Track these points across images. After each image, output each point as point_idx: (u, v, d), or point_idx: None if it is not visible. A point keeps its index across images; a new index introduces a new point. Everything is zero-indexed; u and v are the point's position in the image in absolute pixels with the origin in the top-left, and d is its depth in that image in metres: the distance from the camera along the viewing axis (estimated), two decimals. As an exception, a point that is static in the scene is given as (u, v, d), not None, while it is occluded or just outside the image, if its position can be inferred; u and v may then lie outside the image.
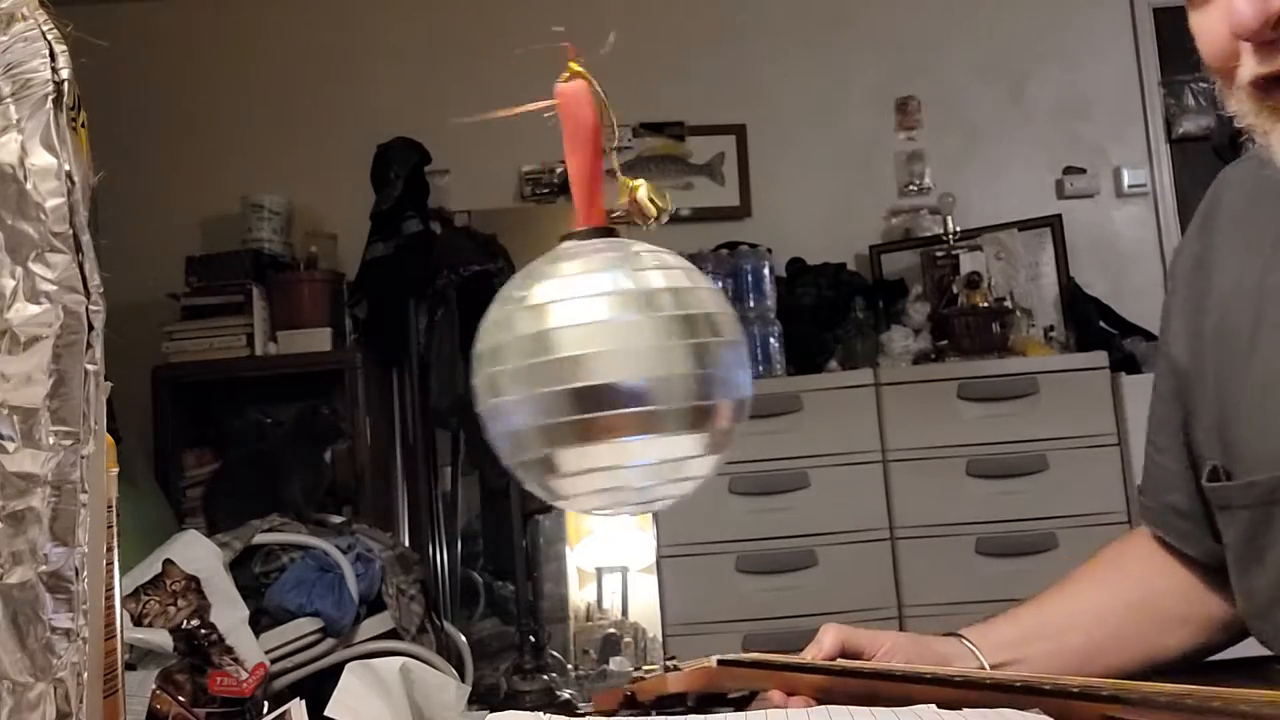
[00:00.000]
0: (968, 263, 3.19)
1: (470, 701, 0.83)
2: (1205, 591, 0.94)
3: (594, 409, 0.60)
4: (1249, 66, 0.69)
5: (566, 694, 2.87)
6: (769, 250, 3.29)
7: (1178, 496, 0.94)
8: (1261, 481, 0.81)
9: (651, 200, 0.69)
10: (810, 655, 0.81)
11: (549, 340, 0.61)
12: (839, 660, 0.79)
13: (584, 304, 0.61)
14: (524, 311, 0.63)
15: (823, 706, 0.69)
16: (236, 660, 1.63)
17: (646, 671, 0.78)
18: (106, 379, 0.48)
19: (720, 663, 0.77)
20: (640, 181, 0.69)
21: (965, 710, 0.62)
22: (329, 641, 1.97)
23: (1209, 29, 0.72)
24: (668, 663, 0.77)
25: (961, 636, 0.92)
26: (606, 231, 0.66)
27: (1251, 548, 0.83)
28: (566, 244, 0.66)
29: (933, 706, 0.64)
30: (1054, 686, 0.63)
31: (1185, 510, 0.94)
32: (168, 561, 1.70)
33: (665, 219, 0.69)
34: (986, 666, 0.88)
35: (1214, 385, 0.87)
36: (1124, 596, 0.97)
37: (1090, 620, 0.96)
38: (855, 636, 0.83)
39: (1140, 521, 1.02)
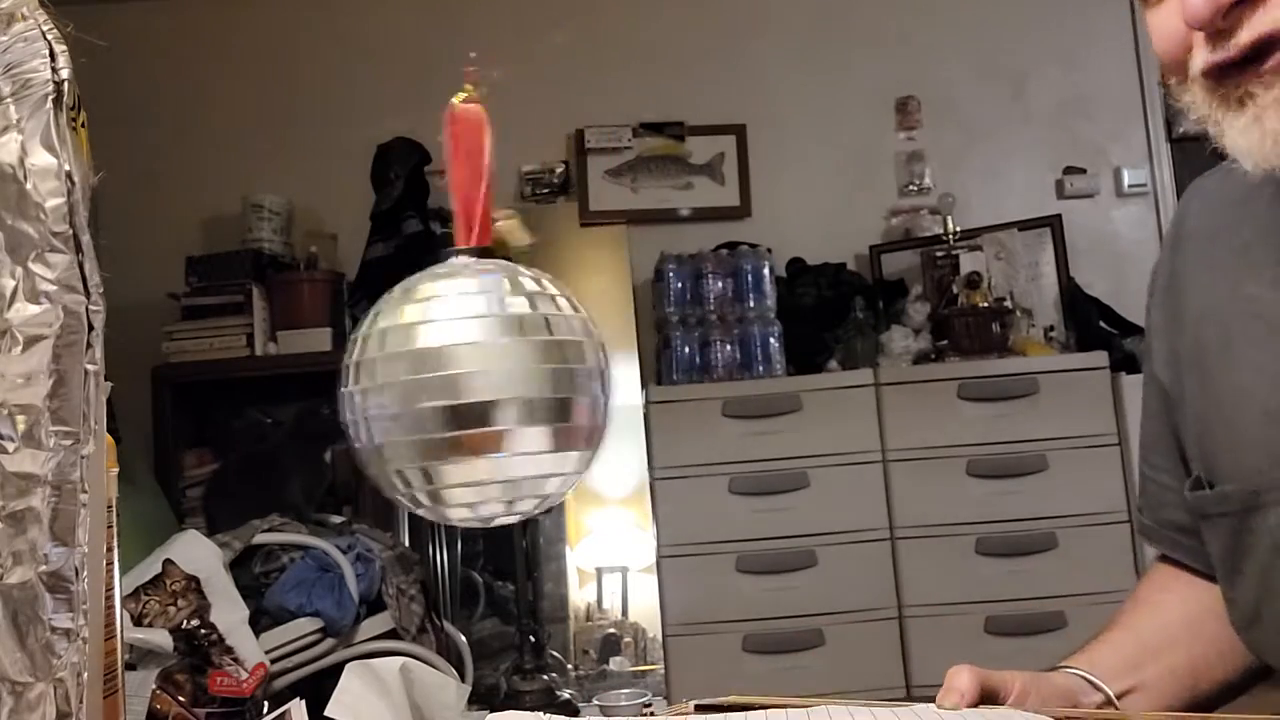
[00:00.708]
0: (968, 263, 3.19)
1: (470, 701, 0.83)
2: None
3: (458, 427, 0.62)
4: (1201, 56, 0.70)
5: (566, 694, 2.86)
6: (769, 250, 3.29)
7: (1177, 513, 0.94)
8: (1233, 493, 0.81)
9: (515, 236, 0.72)
10: (951, 701, 0.76)
11: (422, 358, 0.64)
12: (822, 701, 0.77)
13: (453, 324, 0.64)
14: (398, 330, 0.65)
15: (823, 706, 0.69)
16: (236, 660, 1.63)
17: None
18: (106, 379, 0.48)
19: (698, 707, 0.75)
20: (509, 215, 0.72)
21: (965, 710, 0.62)
22: (329, 641, 1.97)
23: (1163, 24, 0.74)
24: (644, 707, 0.76)
25: (1071, 668, 0.88)
26: (485, 252, 0.69)
27: (1232, 558, 0.83)
28: (445, 263, 0.68)
29: (932, 706, 0.64)
30: None
31: (1187, 526, 0.93)
32: (168, 561, 1.70)
33: (527, 254, 0.72)
34: (1113, 697, 0.86)
35: (1193, 401, 0.87)
36: (1196, 608, 0.94)
37: (1186, 634, 0.93)
38: (989, 678, 0.79)
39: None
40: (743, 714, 0.69)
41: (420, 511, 0.67)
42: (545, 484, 0.66)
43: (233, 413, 3.20)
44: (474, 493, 0.65)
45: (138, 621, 1.58)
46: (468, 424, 0.62)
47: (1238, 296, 0.83)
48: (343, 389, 0.67)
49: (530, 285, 0.67)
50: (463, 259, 0.68)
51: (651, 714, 0.75)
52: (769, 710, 0.69)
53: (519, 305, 0.65)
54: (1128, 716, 0.60)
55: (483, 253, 0.68)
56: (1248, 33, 0.67)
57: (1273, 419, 0.78)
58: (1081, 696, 0.85)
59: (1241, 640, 0.86)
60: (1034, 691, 0.80)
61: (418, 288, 0.67)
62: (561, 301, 0.67)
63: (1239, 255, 0.84)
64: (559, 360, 0.64)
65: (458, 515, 0.67)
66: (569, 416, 0.64)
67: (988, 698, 0.77)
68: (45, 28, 0.48)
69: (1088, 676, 0.87)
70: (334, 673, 1.20)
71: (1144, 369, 0.98)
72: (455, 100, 0.71)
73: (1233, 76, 0.69)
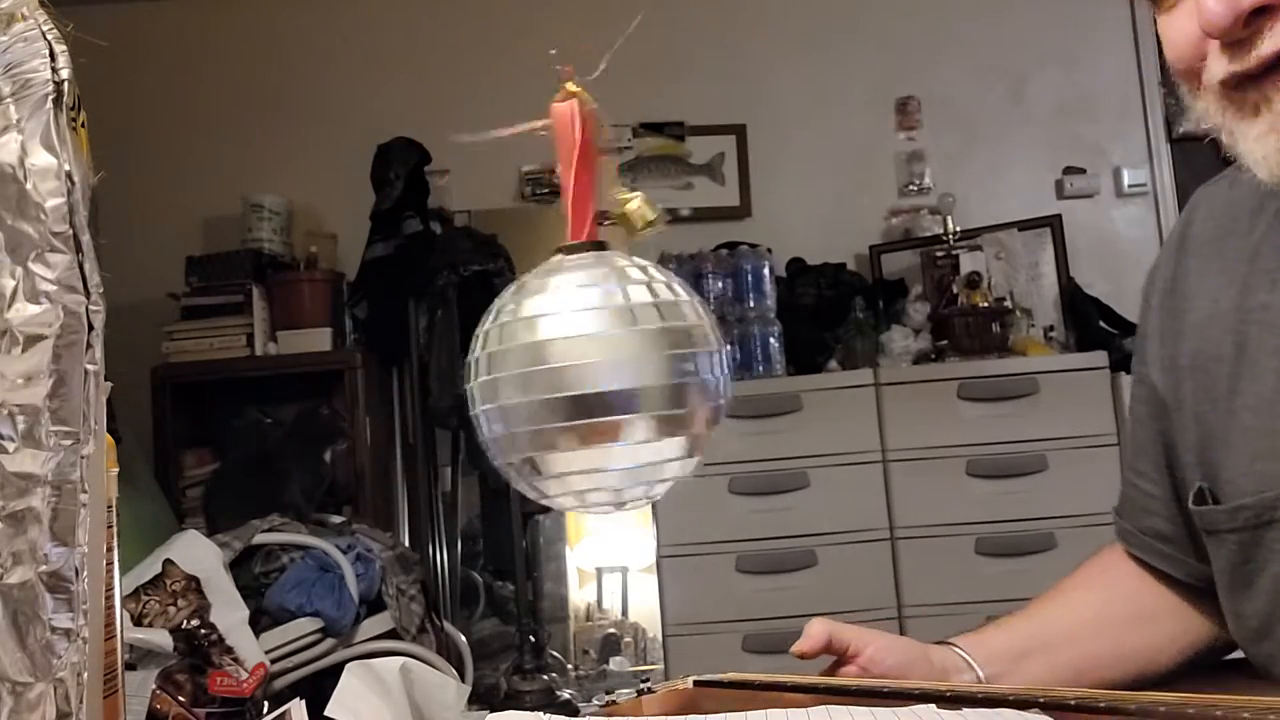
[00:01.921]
0: (968, 263, 3.19)
1: (470, 701, 0.83)
2: (1193, 610, 0.93)
3: (579, 416, 0.64)
4: (1219, 66, 0.68)
5: (566, 694, 2.86)
6: (769, 250, 3.29)
7: (1159, 521, 0.93)
8: (1250, 505, 0.79)
9: (643, 214, 0.72)
10: (798, 647, 0.80)
11: (538, 351, 0.65)
12: (823, 678, 0.77)
13: (571, 317, 0.66)
14: (516, 323, 0.67)
15: (822, 706, 0.69)
16: (236, 660, 1.63)
17: (639, 674, 0.77)
18: (106, 379, 0.48)
19: (696, 683, 0.75)
20: (635, 194, 0.73)
21: (965, 710, 0.62)
22: (329, 641, 1.97)
23: (1177, 30, 0.72)
24: (642, 685, 0.76)
25: (954, 645, 0.91)
26: (597, 246, 0.70)
27: (1241, 573, 0.82)
28: (557, 257, 0.70)
29: (932, 706, 0.64)
30: (1049, 699, 0.62)
31: (1168, 534, 0.93)
32: (168, 561, 1.70)
33: (655, 230, 0.73)
34: (982, 677, 0.87)
35: (1193, 412, 0.86)
36: (1118, 609, 0.96)
37: (1087, 632, 0.94)
38: (842, 631, 0.83)
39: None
40: (742, 714, 0.69)
41: (546, 501, 0.70)
42: (664, 469, 0.68)
43: (233, 413, 3.20)
44: (598, 480, 0.67)
45: (138, 621, 1.58)
46: (586, 415, 0.64)
47: (1249, 304, 0.81)
48: (466, 385, 0.69)
49: (638, 274, 0.68)
50: (575, 255, 0.70)
51: (650, 691, 0.75)
52: (769, 710, 0.69)
53: (630, 294, 0.67)
54: (1132, 696, 0.60)
55: (593, 247, 0.70)
56: (1270, 43, 0.65)
57: None
58: (953, 673, 0.87)
59: (1247, 655, 0.85)
60: (893, 655, 0.84)
61: (531, 283, 0.69)
62: (674, 287, 0.69)
63: (1249, 262, 0.82)
64: (673, 346, 0.66)
65: (588, 502, 0.69)
66: (686, 402, 0.66)
67: (839, 650, 0.82)
68: (45, 28, 0.48)
69: (964, 654, 0.89)
70: (334, 673, 1.20)
71: (1134, 373, 0.96)
72: (556, 100, 0.73)
73: (1250, 87, 0.67)
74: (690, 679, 0.76)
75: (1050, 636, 0.93)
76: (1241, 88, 0.68)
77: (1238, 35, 0.65)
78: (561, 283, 0.68)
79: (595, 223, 0.71)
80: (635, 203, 0.72)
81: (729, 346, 2.91)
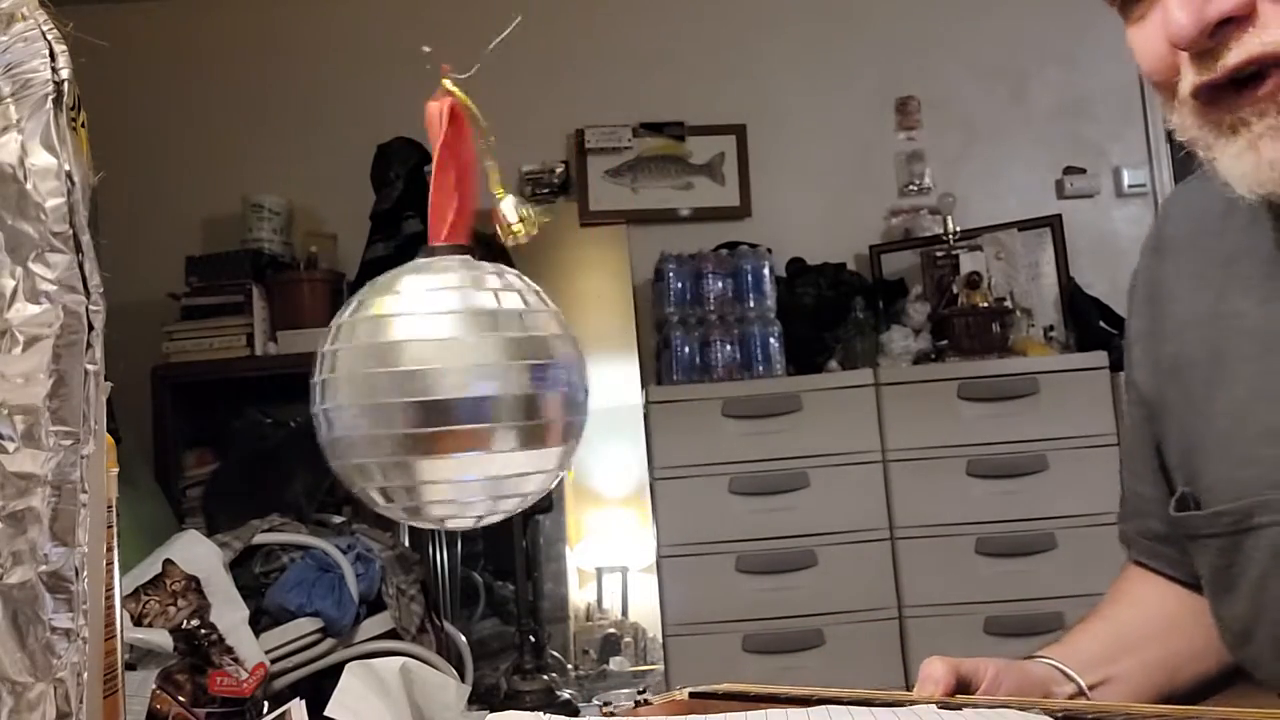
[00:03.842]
0: (968, 263, 3.19)
1: (470, 701, 0.83)
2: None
3: (431, 424, 0.61)
4: (1189, 78, 0.68)
5: (566, 694, 2.86)
6: (769, 250, 3.29)
7: (1155, 523, 0.94)
8: (1228, 511, 0.79)
9: (520, 217, 0.71)
10: (928, 691, 0.76)
11: (391, 353, 0.62)
12: (818, 690, 0.77)
13: (426, 320, 0.63)
14: (368, 323, 0.64)
15: (823, 706, 0.69)
16: (236, 660, 1.63)
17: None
18: (106, 379, 0.48)
19: (692, 695, 0.75)
20: (506, 197, 0.71)
21: (965, 710, 0.62)
22: (329, 641, 1.97)
23: (1146, 42, 0.72)
24: (639, 696, 0.76)
25: (1047, 658, 0.88)
26: (460, 250, 0.68)
27: (1222, 577, 0.82)
28: (419, 260, 0.68)
29: (933, 706, 0.64)
30: (1065, 714, 0.62)
31: (1164, 535, 0.93)
32: (168, 561, 1.70)
33: (526, 235, 0.71)
34: (1084, 688, 0.85)
35: (1177, 415, 0.86)
36: (1174, 608, 0.94)
37: (1164, 630, 0.93)
38: (962, 666, 0.79)
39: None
40: (742, 714, 0.69)
41: (385, 510, 0.66)
42: (525, 483, 0.65)
43: (233, 413, 3.20)
44: (451, 491, 0.64)
45: (138, 621, 1.58)
46: (437, 422, 0.61)
47: (1224, 310, 0.81)
48: (313, 379, 0.65)
49: (497, 281, 0.66)
50: (436, 256, 0.67)
51: (647, 703, 0.75)
52: (769, 710, 0.69)
53: (487, 300, 0.64)
54: (1126, 708, 0.59)
55: (458, 249, 0.68)
56: (1236, 54, 0.64)
57: (1274, 437, 0.76)
58: (1054, 686, 0.85)
59: (1234, 657, 0.85)
60: (1006, 679, 0.80)
61: (390, 282, 0.66)
62: (531, 297, 0.66)
63: (1223, 267, 0.82)
64: (530, 355, 0.63)
65: (434, 515, 0.65)
66: (542, 413, 0.63)
67: (962, 686, 0.78)
68: (45, 28, 0.48)
69: (1061, 667, 0.86)
70: (334, 673, 1.20)
71: (1126, 377, 0.96)
72: (433, 99, 0.70)
73: (1223, 100, 0.66)
74: (686, 690, 0.76)
75: (1133, 640, 0.92)
76: (1213, 101, 0.67)
77: (1204, 46, 0.65)
78: (415, 284, 0.65)
79: (464, 223, 0.68)
80: (505, 204, 0.70)
81: (728, 346, 2.91)
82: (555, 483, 0.66)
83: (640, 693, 0.76)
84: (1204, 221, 0.86)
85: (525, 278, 0.68)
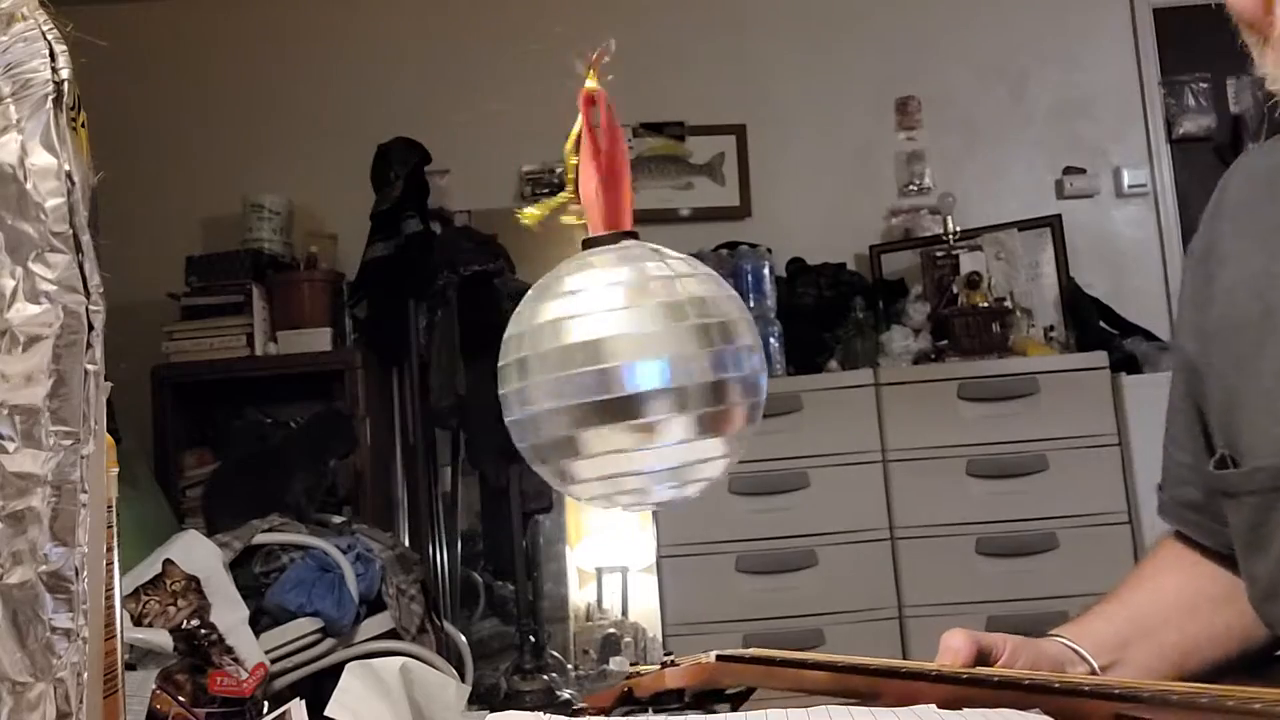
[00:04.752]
0: (968, 263, 3.19)
1: (470, 701, 0.83)
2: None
3: (618, 413, 0.63)
4: None
5: (566, 694, 2.87)
6: (769, 250, 3.29)
7: (1190, 490, 0.94)
8: (1266, 468, 0.80)
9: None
10: (948, 660, 0.78)
11: (580, 353, 0.64)
12: (843, 657, 0.78)
13: (610, 316, 0.64)
14: (551, 326, 0.65)
15: (823, 706, 0.69)
16: (236, 660, 1.63)
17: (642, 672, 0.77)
18: (106, 379, 0.48)
19: (719, 658, 0.76)
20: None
21: (965, 710, 0.62)
22: (329, 641, 1.97)
23: None
24: (665, 658, 0.77)
25: (1061, 637, 0.89)
26: (628, 235, 0.69)
27: (1256, 534, 0.83)
28: (586, 252, 0.69)
29: (933, 706, 0.64)
30: (1064, 685, 0.62)
31: (1199, 503, 0.93)
32: (168, 561, 1.70)
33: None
34: (1096, 669, 0.86)
35: (1220, 374, 0.86)
36: (1206, 590, 0.95)
37: (1181, 615, 0.93)
38: (982, 639, 0.81)
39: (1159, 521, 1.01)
40: (742, 714, 0.69)
41: (573, 493, 0.68)
42: (706, 467, 0.66)
43: (233, 413, 3.20)
44: (641, 480, 0.66)
45: (138, 621, 1.58)
46: (625, 415, 0.63)
47: (1274, 272, 0.81)
48: (501, 391, 0.67)
49: (668, 268, 0.67)
50: (604, 246, 0.68)
51: (674, 664, 0.76)
52: (769, 710, 0.69)
53: (667, 290, 0.65)
54: (1147, 684, 0.60)
55: (623, 237, 0.69)
56: None
57: None
58: (1069, 666, 0.86)
59: (1259, 615, 0.86)
60: (1024, 655, 0.82)
61: (563, 280, 0.67)
62: (706, 282, 0.67)
63: (1275, 231, 0.83)
64: (715, 341, 0.64)
65: (624, 502, 0.68)
66: (727, 398, 0.64)
67: (981, 658, 0.80)
68: (45, 28, 0.48)
69: (1075, 647, 0.87)
70: (334, 673, 1.20)
71: (1172, 342, 0.98)
72: (587, 85, 0.71)
73: None
74: (713, 653, 0.76)
75: (1149, 623, 0.92)
76: None
77: None
78: (588, 280, 0.66)
79: (626, 213, 0.70)
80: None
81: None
82: (734, 464, 0.68)
83: (667, 654, 0.77)
84: (1264, 186, 0.86)
85: (690, 259, 0.69)
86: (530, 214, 0.72)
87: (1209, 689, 0.57)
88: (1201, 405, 0.90)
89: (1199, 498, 0.93)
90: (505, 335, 0.67)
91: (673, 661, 0.76)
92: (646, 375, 0.63)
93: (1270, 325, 0.81)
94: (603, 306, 0.64)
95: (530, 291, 0.68)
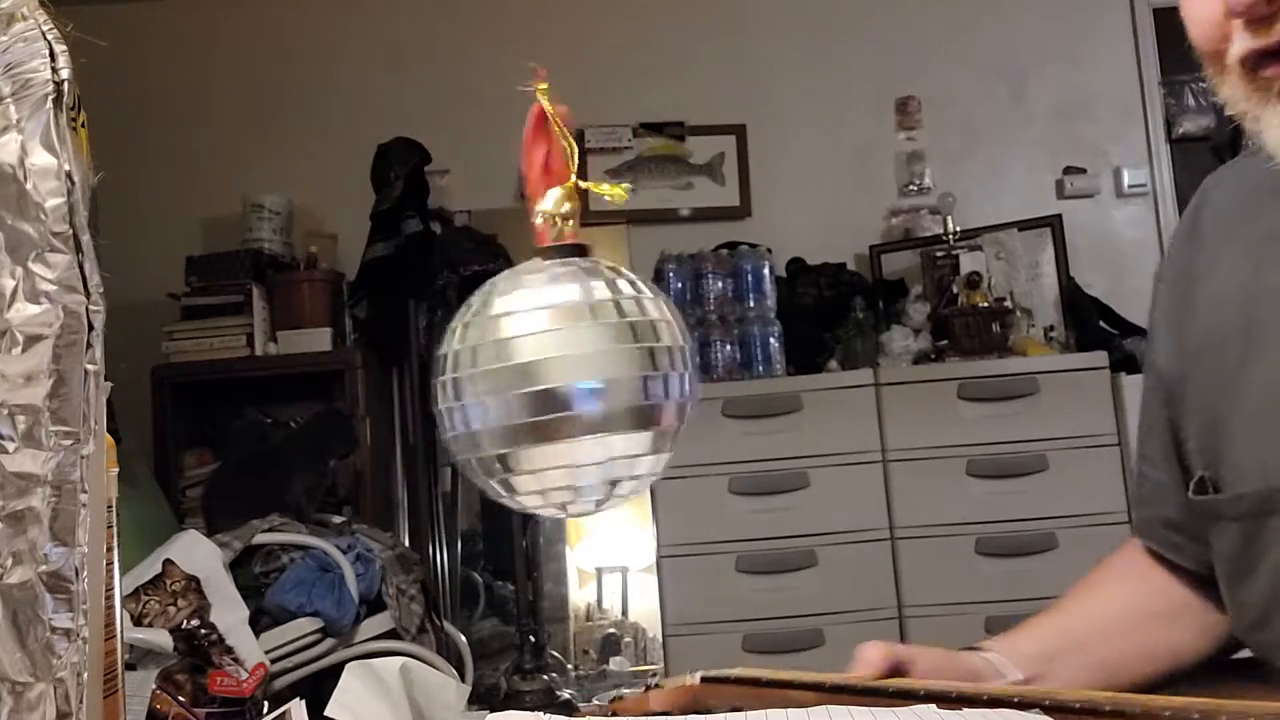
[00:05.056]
0: (968, 263, 3.19)
1: (470, 701, 0.83)
2: (1215, 604, 0.92)
3: (547, 411, 0.65)
4: (1240, 43, 0.68)
5: (566, 694, 2.87)
6: (769, 250, 3.29)
7: (1168, 509, 0.93)
8: (1250, 494, 0.79)
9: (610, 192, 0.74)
10: (863, 673, 0.77)
11: (506, 348, 0.66)
12: (828, 676, 0.77)
13: (539, 314, 0.66)
14: (484, 320, 0.67)
15: (823, 707, 0.69)
16: (236, 660, 1.63)
17: (639, 674, 0.77)
18: (106, 379, 0.48)
19: (704, 679, 0.75)
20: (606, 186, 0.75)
21: (965, 710, 0.63)
22: (329, 641, 1.97)
23: (1200, 11, 0.71)
24: (649, 680, 0.76)
25: (986, 650, 0.89)
26: (571, 249, 0.71)
27: (1242, 560, 0.81)
28: (534, 260, 0.71)
29: (933, 706, 0.64)
30: (1052, 702, 0.62)
31: (1176, 522, 0.92)
32: (168, 561, 1.70)
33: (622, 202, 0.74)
34: (1016, 682, 0.86)
35: (1201, 392, 0.85)
36: (1144, 606, 0.95)
37: (1116, 630, 0.93)
38: (900, 651, 0.81)
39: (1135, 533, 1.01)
40: (742, 714, 0.69)
41: (512, 502, 0.70)
42: (633, 465, 0.68)
43: (233, 413, 3.20)
44: (564, 477, 0.67)
45: (138, 621, 1.58)
46: (550, 411, 0.64)
47: (1261, 285, 0.80)
48: (435, 380, 0.69)
49: (602, 273, 0.69)
50: (542, 257, 0.70)
51: (657, 686, 0.75)
52: (769, 710, 0.69)
53: (597, 290, 0.67)
54: (1137, 698, 0.60)
55: (566, 250, 0.70)
56: None
57: None
58: (989, 679, 0.86)
59: (1245, 643, 0.85)
60: (939, 669, 0.81)
61: (502, 282, 0.70)
62: (636, 285, 0.69)
63: (1263, 243, 0.82)
64: (640, 341, 0.66)
65: (548, 502, 0.69)
66: (654, 397, 0.66)
67: (895, 671, 0.79)
68: (45, 28, 0.48)
69: (995, 660, 0.87)
70: (334, 673, 1.20)
71: (1145, 361, 0.96)
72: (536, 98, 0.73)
73: (1271, 65, 0.66)
74: (698, 674, 0.76)
75: (1080, 636, 0.92)
76: (1260, 67, 0.67)
77: (1262, 13, 0.65)
78: (532, 282, 0.68)
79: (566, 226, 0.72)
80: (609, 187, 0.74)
81: (728, 346, 2.90)
82: (663, 465, 0.70)
83: (651, 676, 0.77)
84: (1243, 201, 0.86)
85: (624, 269, 0.72)
86: (617, 190, 0.74)
87: (1196, 703, 0.57)
88: (1177, 425, 0.89)
89: (1177, 517, 0.92)
90: (438, 351, 0.69)
91: (657, 684, 0.76)
92: (580, 391, 0.64)
93: (1254, 342, 0.80)
94: (536, 326, 0.66)
95: (463, 310, 0.70)
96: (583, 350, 0.65)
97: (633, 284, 0.69)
